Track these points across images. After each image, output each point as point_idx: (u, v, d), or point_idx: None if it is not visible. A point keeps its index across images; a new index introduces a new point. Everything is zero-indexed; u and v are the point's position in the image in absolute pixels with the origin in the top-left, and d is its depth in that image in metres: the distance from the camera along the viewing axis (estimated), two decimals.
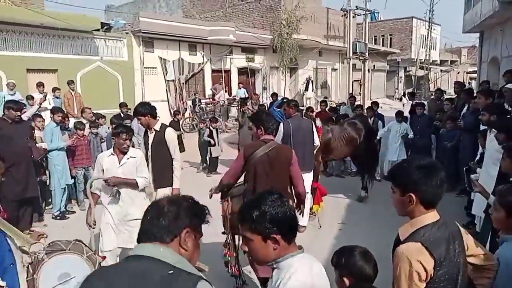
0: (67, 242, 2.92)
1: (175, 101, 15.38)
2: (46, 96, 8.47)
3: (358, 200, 7.14)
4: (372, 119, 8.85)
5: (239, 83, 17.53)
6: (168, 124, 5.29)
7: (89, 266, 2.89)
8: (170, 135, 4.35)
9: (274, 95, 11.35)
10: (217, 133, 9.22)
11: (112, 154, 3.97)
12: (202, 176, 9.10)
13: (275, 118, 5.20)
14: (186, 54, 15.97)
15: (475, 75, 26.52)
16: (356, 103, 11.22)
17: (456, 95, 9.14)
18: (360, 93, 23.37)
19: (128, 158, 3.94)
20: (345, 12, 21.57)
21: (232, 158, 10.12)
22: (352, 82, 22.83)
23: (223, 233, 3.83)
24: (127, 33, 14.00)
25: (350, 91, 20.50)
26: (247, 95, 15.97)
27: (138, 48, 14.23)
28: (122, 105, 9.62)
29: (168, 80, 15.32)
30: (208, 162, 9.29)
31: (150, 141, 4.39)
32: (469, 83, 37.53)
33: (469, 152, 6.15)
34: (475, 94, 7.20)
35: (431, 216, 1.74)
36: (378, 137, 8.33)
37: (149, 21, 14.07)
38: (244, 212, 1.62)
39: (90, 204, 3.97)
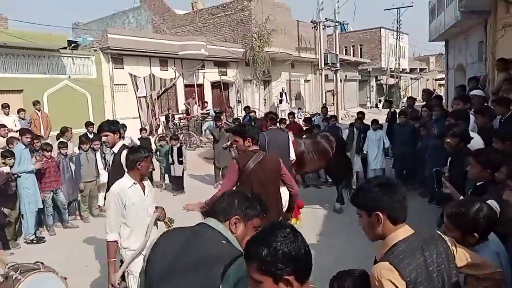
0: (28, 264, 2.87)
1: (147, 117, 15.11)
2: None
3: (335, 211, 7.09)
4: (358, 130, 8.84)
5: (204, 102, 17.19)
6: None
7: (65, 285, 2.86)
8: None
9: (247, 108, 11.33)
10: (181, 151, 9.00)
11: (133, 183, 3.23)
12: (165, 195, 8.85)
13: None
14: (157, 70, 15.78)
15: (443, 81, 27.34)
16: (330, 113, 11.30)
17: (425, 103, 9.32)
18: (333, 103, 23.67)
19: (149, 186, 3.42)
20: (315, 24, 21.92)
21: (207, 173, 10.17)
22: (325, 92, 23.12)
23: None
24: (95, 50, 13.70)
25: (324, 102, 20.73)
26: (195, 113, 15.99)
27: (107, 65, 13.94)
28: (87, 124, 9.22)
29: (139, 97, 15.05)
30: (170, 181, 9.15)
31: (110, 162, 4.18)
32: (434, 90, 38.69)
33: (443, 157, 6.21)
34: (444, 101, 7.34)
35: (403, 232, 1.71)
36: (365, 151, 8.34)
37: (117, 38, 13.85)
38: (251, 249, 1.35)
39: (111, 260, 3.08)
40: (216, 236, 1.71)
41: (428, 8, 18.95)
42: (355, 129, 8.93)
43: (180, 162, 8.87)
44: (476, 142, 4.11)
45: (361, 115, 9.26)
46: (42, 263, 3.03)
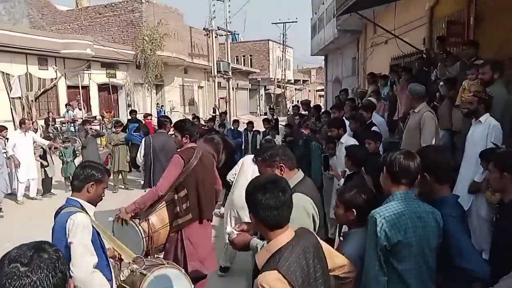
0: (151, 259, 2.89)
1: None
2: None
3: None
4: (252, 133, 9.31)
5: (67, 104, 15.43)
6: None
7: (188, 281, 2.78)
8: None
9: (133, 112, 10.96)
10: (50, 154, 8.61)
11: None
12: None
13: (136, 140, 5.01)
14: (35, 69, 14.29)
15: (323, 92, 30.03)
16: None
17: (306, 112, 10.20)
18: (226, 110, 24.22)
19: None
20: (208, 32, 22.25)
21: None
22: (218, 99, 23.56)
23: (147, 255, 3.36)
24: None
25: (216, 107, 21.16)
26: (78, 116, 14.95)
27: None
28: None
29: (13, 98, 13.43)
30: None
31: None
32: (310, 101, 42.24)
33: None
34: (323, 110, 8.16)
35: (285, 236, 1.62)
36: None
37: None
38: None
39: None
40: None
41: (310, 24, 20.74)
42: (248, 133, 9.36)
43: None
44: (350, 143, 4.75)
45: (251, 124, 9.80)
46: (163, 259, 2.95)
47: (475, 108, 3.79)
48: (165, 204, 3.50)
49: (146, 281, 2.54)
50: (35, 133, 11.92)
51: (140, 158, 5.32)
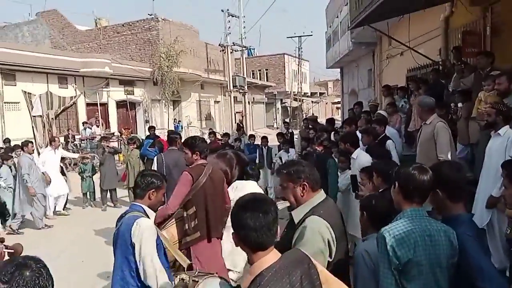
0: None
1: (43, 138, 13.87)
2: None
3: None
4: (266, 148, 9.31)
5: (84, 122, 15.57)
6: None
7: None
8: None
9: (152, 128, 11.13)
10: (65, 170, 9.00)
11: None
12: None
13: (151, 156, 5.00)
14: (55, 87, 14.68)
15: (340, 105, 29.86)
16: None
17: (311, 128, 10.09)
18: (242, 125, 24.34)
19: None
20: (223, 48, 22.53)
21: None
22: (235, 113, 23.70)
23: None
24: None
25: (241, 122, 21.15)
26: (97, 133, 15.25)
27: None
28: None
29: (34, 116, 13.80)
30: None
31: None
32: (314, 114, 41.99)
33: None
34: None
35: (268, 259, 1.55)
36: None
37: (8, 52, 12.66)
38: None
39: None
40: None
41: (325, 38, 20.77)
42: (263, 147, 9.34)
43: None
44: (365, 159, 4.63)
45: (265, 139, 9.76)
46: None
47: (493, 120, 3.69)
48: (174, 222, 3.47)
49: (198, 287, 2.61)
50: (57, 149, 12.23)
51: None
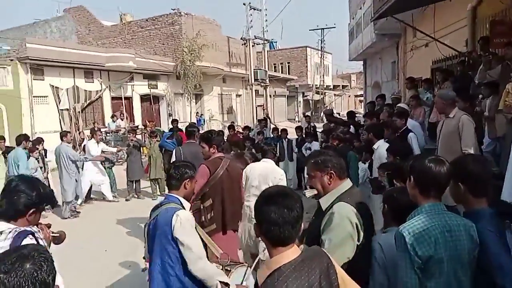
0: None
1: (70, 131, 14.27)
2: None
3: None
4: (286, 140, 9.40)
5: (113, 115, 15.83)
6: None
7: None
8: None
9: (175, 121, 11.27)
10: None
11: None
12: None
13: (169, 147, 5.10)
14: (81, 82, 15.07)
15: (363, 98, 29.41)
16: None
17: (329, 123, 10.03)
18: (265, 118, 24.33)
19: None
20: (245, 41, 22.52)
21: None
22: (256, 107, 23.71)
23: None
24: (11, 59, 12.75)
25: (267, 115, 21.04)
26: (122, 126, 15.53)
27: (26, 76, 13.02)
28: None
29: (61, 109, 14.22)
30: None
31: None
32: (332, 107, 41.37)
33: None
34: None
35: (288, 255, 1.53)
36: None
37: (37, 47, 13.03)
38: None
39: None
40: None
41: (348, 30, 20.45)
42: (283, 140, 9.37)
43: None
44: (384, 151, 4.59)
45: (284, 132, 9.77)
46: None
47: None
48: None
49: (231, 275, 2.71)
50: (82, 142, 12.59)
51: None
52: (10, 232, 1.95)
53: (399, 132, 5.04)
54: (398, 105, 7.28)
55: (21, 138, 7.84)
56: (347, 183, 2.31)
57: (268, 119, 11.56)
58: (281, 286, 1.43)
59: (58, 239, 2.40)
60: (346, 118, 9.98)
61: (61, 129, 14.04)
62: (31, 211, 2.06)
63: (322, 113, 11.31)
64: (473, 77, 6.39)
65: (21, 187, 2.07)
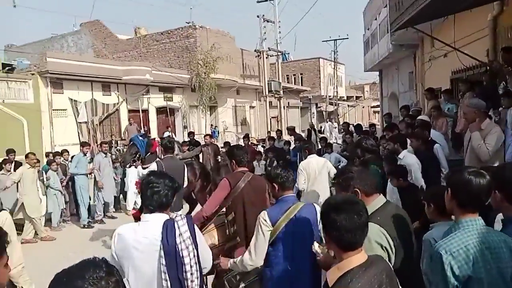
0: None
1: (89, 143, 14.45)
2: None
3: None
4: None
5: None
6: None
7: None
8: None
9: (191, 133, 11.29)
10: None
11: None
12: None
13: (138, 146, 5.25)
14: (99, 95, 15.30)
15: (378, 109, 29.20)
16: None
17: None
18: (278, 129, 24.29)
19: None
20: (259, 53, 22.66)
21: None
22: (270, 118, 23.72)
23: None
24: (32, 74, 13.02)
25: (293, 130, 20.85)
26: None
27: (46, 90, 13.28)
28: (8, 152, 8.03)
29: (80, 122, 14.43)
30: None
31: None
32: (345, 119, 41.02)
33: None
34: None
35: (358, 258, 1.61)
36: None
37: (57, 61, 13.31)
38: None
39: None
40: None
41: (362, 40, 20.39)
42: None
43: None
44: (411, 160, 4.53)
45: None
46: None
47: None
48: (214, 227, 3.60)
49: None
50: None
51: None
52: None
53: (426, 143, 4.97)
54: (419, 117, 7.18)
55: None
56: (378, 200, 2.25)
57: (313, 131, 11.35)
58: (354, 286, 1.52)
59: None
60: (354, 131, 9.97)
61: (79, 141, 14.25)
62: None
63: (341, 125, 11.25)
64: (497, 87, 6.28)
65: None
